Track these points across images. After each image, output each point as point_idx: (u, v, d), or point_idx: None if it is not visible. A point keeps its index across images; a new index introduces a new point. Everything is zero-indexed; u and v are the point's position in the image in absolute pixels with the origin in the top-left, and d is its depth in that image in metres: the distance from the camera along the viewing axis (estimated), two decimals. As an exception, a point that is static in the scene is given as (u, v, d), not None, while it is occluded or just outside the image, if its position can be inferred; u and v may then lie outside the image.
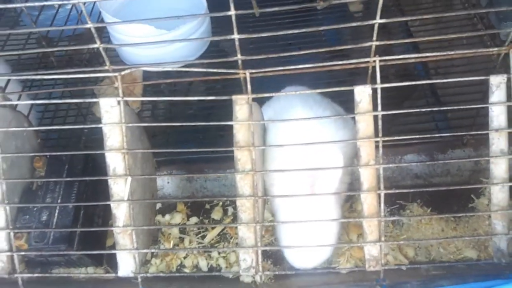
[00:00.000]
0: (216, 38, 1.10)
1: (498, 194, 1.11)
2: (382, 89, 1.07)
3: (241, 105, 1.12)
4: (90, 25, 1.00)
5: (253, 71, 1.08)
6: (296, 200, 1.17)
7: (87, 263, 1.30)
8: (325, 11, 2.09)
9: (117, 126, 1.12)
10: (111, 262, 1.30)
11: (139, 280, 1.17)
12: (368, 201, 1.10)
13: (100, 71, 1.10)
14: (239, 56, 1.05)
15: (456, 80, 1.14)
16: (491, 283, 1.09)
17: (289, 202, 1.19)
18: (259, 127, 1.21)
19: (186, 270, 1.35)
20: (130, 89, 1.70)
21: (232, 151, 1.13)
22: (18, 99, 1.40)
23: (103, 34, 1.96)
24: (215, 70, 1.08)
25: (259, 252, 1.14)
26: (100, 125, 1.13)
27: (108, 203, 1.14)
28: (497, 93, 1.10)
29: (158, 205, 1.50)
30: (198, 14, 1.80)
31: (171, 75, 1.80)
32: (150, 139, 1.39)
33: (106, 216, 1.37)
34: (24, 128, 1.30)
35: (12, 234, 1.17)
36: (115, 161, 1.13)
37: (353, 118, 1.14)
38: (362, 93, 1.09)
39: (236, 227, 1.14)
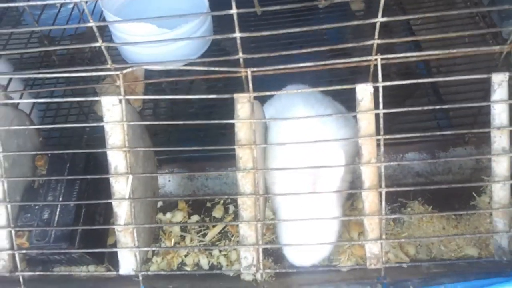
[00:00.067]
0: (217, 37, 1.10)
1: (499, 192, 1.11)
2: (383, 87, 1.07)
3: (243, 103, 1.12)
4: (92, 23, 1.00)
5: (255, 69, 1.08)
6: (297, 199, 1.17)
7: (88, 261, 1.31)
8: (327, 10, 2.09)
9: (119, 124, 1.12)
10: (112, 260, 1.30)
11: (140, 278, 1.17)
12: (369, 199, 1.10)
13: (102, 70, 1.11)
14: (240, 55, 1.05)
15: (458, 79, 1.14)
16: (492, 281, 1.09)
17: (290, 200, 1.19)
18: (261, 125, 1.21)
19: (187, 268, 1.35)
20: (132, 88, 1.70)
21: (234, 150, 1.14)
22: (20, 98, 1.41)
23: (105, 33, 1.96)
24: (216, 69, 1.09)
25: (260, 250, 1.14)
26: (101, 124, 1.13)
27: (109, 201, 1.14)
28: (499, 91, 1.10)
29: (159, 203, 1.50)
30: (200, 13, 1.80)
31: (173, 74, 1.80)
32: (152, 137, 1.39)
33: (107, 214, 1.37)
34: (26, 127, 1.30)
35: (13, 232, 1.17)
36: (117, 159, 1.13)
37: (355, 117, 1.14)
38: (364, 91, 1.09)
39: (237, 225, 1.14)
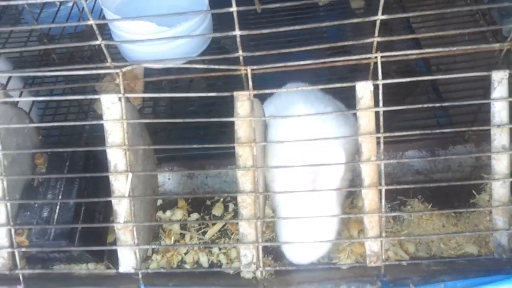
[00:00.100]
0: (217, 35, 1.09)
1: (499, 189, 1.11)
2: (383, 86, 1.06)
3: (243, 101, 1.12)
4: (91, 21, 1.00)
5: (255, 67, 1.08)
6: (296, 197, 1.17)
7: (88, 259, 1.31)
8: (326, 8, 2.09)
9: (118, 122, 1.12)
10: (112, 258, 1.30)
11: (140, 276, 1.17)
12: (369, 197, 1.10)
13: (101, 68, 1.10)
14: (240, 53, 1.05)
15: (458, 76, 1.14)
16: (491, 279, 1.09)
17: (290, 198, 1.19)
18: (260, 123, 1.21)
19: (187, 266, 1.35)
20: (131, 86, 1.70)
21: (233, 148, 1.13)
22: (20, 97, 1.41)
23: (105, 31, 1.96)
24: (216, 67, 1.08)
25: (260, 248, 1.14)
26: (101, 122, 1.13)
27: (109, 199, 1.14)
28: (499, 89, 1.10)
29: (159, 202, 1.50)
30: (200, 11, 1.80)
31: (172, 73, 1.80)
32: (151, 136, 1.39)
33: (107, 212, 1.37)
34: (25, 125, 1.30)
35: (13, 230, 1.17)
36: (116, 157, 1.13)
37: (354, 115, 1.14)
38: (364, 89, 1.09)
39: (237, 223, 1.14)
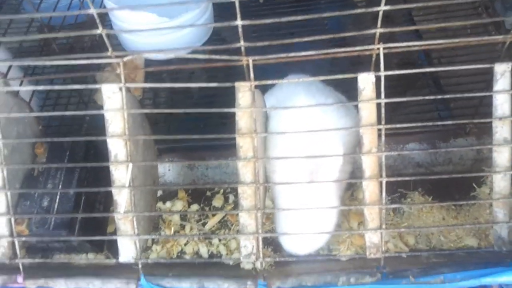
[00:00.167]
0: (219, 25, 1.09)
1: (500, 182, 1.11)
2: (384, 79, 1.06)
3: (244, 92, 1.11)
4: (92, 10, 0.99)
5: (256, 57, 1.07)
6: (296, 188, 1.17)
7: (87, 249, 1.31)
8: (328, 0, 2.08)
9: (119, 112, 1.12)
10: (112, 249, 1.31)
11: (140, 266, 1.17)
12: (370, 189, 1.10)
13: (102, 57, 1.10)
14: (242, 43, 1.04)
15: (460, 68, 1.13)
16: (491, 271, 1.09)
17: (289, 189, 1.19)
18: (261, 114, 1.20)
19: (187, 257, 1.35)
20: (132, 77, 1.69)
21: (233, 140, 1.13)
22: (20, 86, 1.40)
23: (105, 22, 1.95)
24: (217, 57, 1.08)
25: (260, 239, 1.14)
26: (102, 111, 1.13)
27: (109, 189, 1.14)
28: (502, 81, 1.09)
29: (159, 192, 1.50)
30: (201, 0, 1.79)
31: (173, 64, 1.79)
32: (152, 127, 1.39)
33: (107, 203, 1.37)
34: (25, 114, 1.30)
35: (13, 219, 1.17)
36: (117, 147, 1.13)
37: (356, 107, 1.14)
38: (366, 81, 1.08)
39: (237, 214, 1.14)
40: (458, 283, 1.10)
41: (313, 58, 1.08)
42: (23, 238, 1.19)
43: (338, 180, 1.18)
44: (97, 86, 1.15)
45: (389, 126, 1.09)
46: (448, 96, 1.47)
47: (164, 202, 1.47)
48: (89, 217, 1.26)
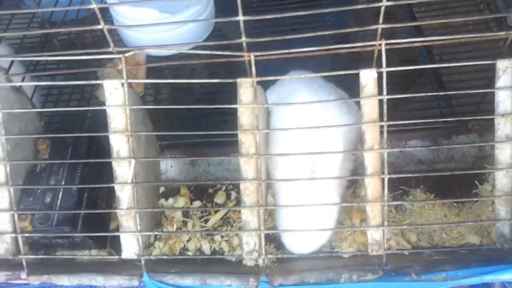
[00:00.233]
0: (220, 20, 1.09)
1: (502, 179, 1.11)
2: (386, 76, 1.06)
3: (246, 88, 1.11)
4: (94, 5, 0.99)
5: (258, 53, 1.07)
6: (296, 185, 1.17)
7: (90, 245, 1.31)
8: (330, -3, 2.08)
9: (121, 108, 1.12)
10: (115, 245, 1.31)
11: (142, 262, 1.17)
12: (372, 186, 1.11)
13: (104, 53, 1.10)
14: (243, 39, 1.04)
15: (463, 65, 1.13)
16: (493, 268, 1.09)
17: (290, 186, 1.19)
18: (263, 110, 1.20)
19: (189, 253, 1.35)
20: (133, 73, 1.69)
21: (235, 136, 1.13)
22: (22, 82, 1.40)
23: (106, 18, 1.94)
24: (219, 53, 1.08)
25: (262, 235, 1.15)
26: (104, 107, 1.13)
27: (112, 185, 1.14)
28: (504, 78, 1.09)
29: (162, 189, 1.50)
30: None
31: (174, 60, 1.79)
32: (154, 124, 1.39)
33: (109, 199, 1.37)
34: (27, 110, 1.30)
35: (16, 215, 1.18)
36: (119, 143, 1.13)
37: (357, 104, 1.13)
38: (368, 77, 1.08)
39: (239, 211, 1.14)
40: (460, 280, 1.10)
41: (314, 54, 1.08)
42: (26, 234, 1.20)
43: (341, 177, 1.18)
44: (99, 82, 1.15)
45: (391, 122, 1.09)
46: (450, 93, 1.47)
47: (166, 199, 1.47)
48: (92, 214, 1.26)
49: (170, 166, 1.53)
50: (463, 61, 1.21)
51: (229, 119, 1.30)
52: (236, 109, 1.12)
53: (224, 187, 1.49)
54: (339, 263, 1.21)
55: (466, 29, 1.73)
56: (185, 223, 1.42)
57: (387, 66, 1.06)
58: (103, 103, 1.14)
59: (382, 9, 0.99)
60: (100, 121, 1.25)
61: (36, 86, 1.54)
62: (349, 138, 1.23)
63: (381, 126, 1.09)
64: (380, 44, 1.06)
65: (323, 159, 1.15)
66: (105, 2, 1.87)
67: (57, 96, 1.77)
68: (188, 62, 1.20)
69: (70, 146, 1.32)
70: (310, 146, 1.15)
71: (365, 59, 1.15)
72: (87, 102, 1.75)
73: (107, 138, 1.14)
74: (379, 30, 1.03)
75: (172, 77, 1.85)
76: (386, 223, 1.12)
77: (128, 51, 1.10)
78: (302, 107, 1.21)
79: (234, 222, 1.41)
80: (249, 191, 1.13)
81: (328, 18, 1.99)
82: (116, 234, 1.18)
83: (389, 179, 1.10)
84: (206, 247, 1.36)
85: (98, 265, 1.27)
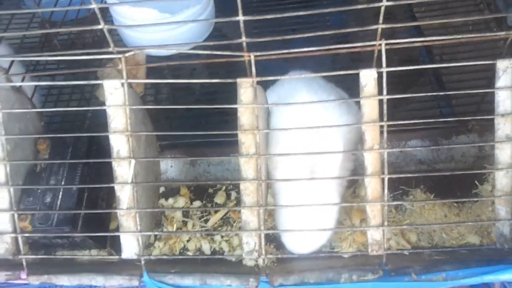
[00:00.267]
0: (220, 20, 1.09)
1: (502, 179, 1.11)
2: (386, 76, 1.06)
3: (246, 88, 1.11)
4: (94, 5, 0.99)
5: (258, 53, 1.07)
6: (296, 185, 1.17)
7: (90, 245, 1.31)
8: (330, -3, 2.08)
9: (121, 108, 1.12)
10: (115, 245, 1.31)
11: (143, 262, 1.17)
12: (372, 186, 1.11)
13: (104, 53, 1.10)
14: (243, 39, 1.04)
15: (463, 65, 1.13)
16: (493, 268, 1.09)
17: (290, 186, 1.19)
18: (263, 110, 1.20)
19: (189, 253, 1.35)
20: (133, 73, 1.69)
21: (235, 136, 1.13)
22: (22, 82, 1.40)
23: (106, 18, 1.94)
24: (219, 53, 1.08)
25: (262, 235, 1.15)
26: (104, 107, 1.13)
27: (112, 185, 1.14)
28: (504, 78, 1.09)
29: (162, 189, 1.50)
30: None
31: (174, 60, 1.79)
32: (154, 123, 1.39)
33: (109, 199, 1.37)
34: (27, 110, 1.30)
35: (16, 215, 1.18)
36: (119, 143, 1.13)
37: (357, 104, 1.13)
38: (368, 77, 1.08)
39: (239, 211, 1.14)
40: (460, 280, 1.10)
41: (314, 54, 1.08)
42: (27, 234, 1.19)
43: (341, 177, 1.17)
44: (99, 82, 1.15)
45: (391, 122, 1.09)
46: (450, 93, 1.47)
47: (166, 199, 1.47)
48: (92, 214, 1.26)
49: (170, 166, 1.53)
50: (463, 61, 1.21)
51: (229, 119, 1.30)
52: (236, 109, 1.12)
53: (224, 187, 1.49)
54: (339, 263, 1.21)
55: (466, 29, 1.73)
56: (185, 223, 1.42)
57: (387, 66, 1.06)
58: (103, 103, 1.14)
59: (382, 9, 0.99)
60: (100, 121, 1.25)
61: (36, 86, 1.54)
62: (349, 138, 1.23)
63: (381, 126, 1.09)
64: (380, 44, 1.06)
65: (323, 159, 1.15)
66: (105, 2, 1.87)
67: (57, 96, 1.77)
68: (188, 62, 1.19)
69: (70, 146, 1.32)
70: (310, 146, 1.15)
71: (365, 59, 1.15)
72: (87, 102, 1.75)
73: (107, 138, 1.14)
74: (379, 30, 1.03)
75: (172, 77, 1.85)
76: (386, 223, 1.12)
77: (128, 51, 1.10)
78: (302, 107, 1.21)
79: (234, 222, 1.41)
80: (249, 191, 1.13)
81: (328, 18, 1.99)
82: (116, 234, 1.18)
83: (389, 179, 1.10)
84: (206, 247, 1.36)
85: (98, 265, 1.27)
